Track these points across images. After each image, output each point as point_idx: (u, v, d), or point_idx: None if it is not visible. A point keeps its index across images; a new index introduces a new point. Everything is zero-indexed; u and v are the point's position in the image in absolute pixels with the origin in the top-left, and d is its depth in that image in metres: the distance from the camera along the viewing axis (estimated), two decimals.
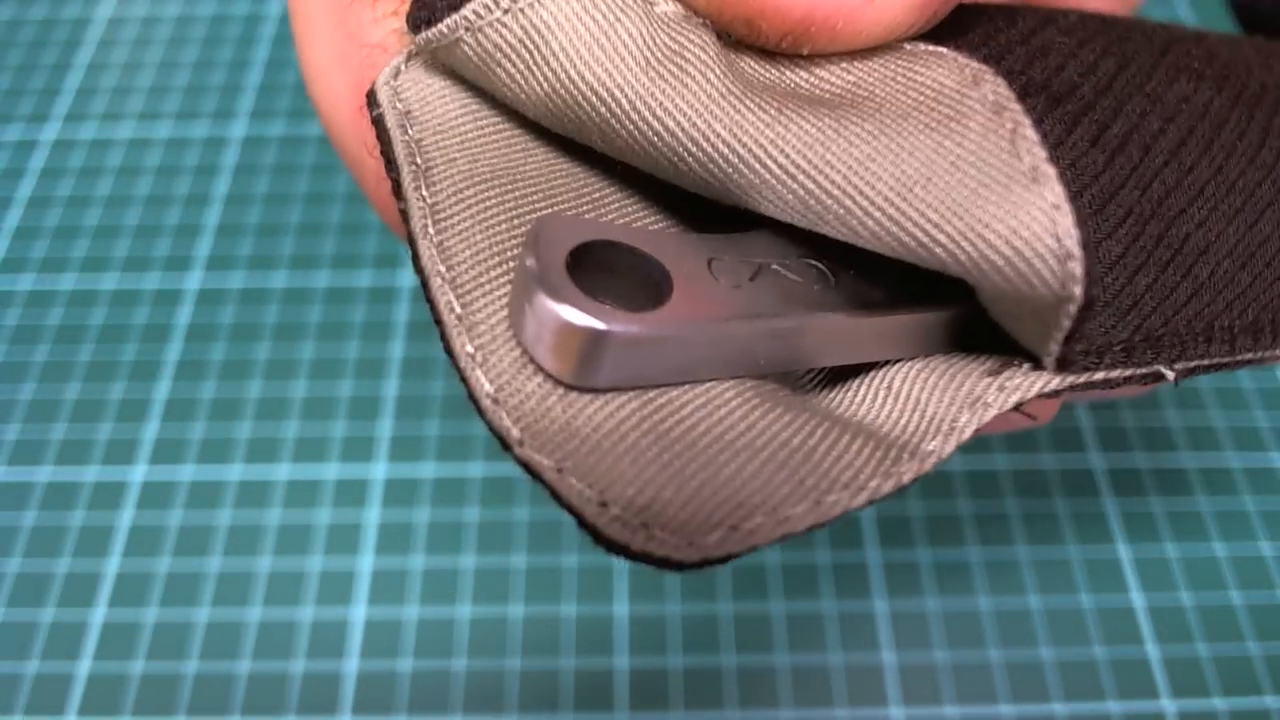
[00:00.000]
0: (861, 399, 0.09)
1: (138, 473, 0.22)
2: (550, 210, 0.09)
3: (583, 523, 0.07)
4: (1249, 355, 0.09)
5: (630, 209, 0.10)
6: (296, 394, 0.23)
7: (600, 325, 0.07)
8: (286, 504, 0.21)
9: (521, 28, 0.08)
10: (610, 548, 0.07)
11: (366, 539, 0.21)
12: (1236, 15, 0.33)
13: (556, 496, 0.07)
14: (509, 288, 0.08)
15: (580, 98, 0.08)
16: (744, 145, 0.08)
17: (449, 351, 0.08)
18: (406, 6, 0.09)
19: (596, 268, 0.08)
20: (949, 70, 0.08)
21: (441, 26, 0.09)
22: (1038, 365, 0.08)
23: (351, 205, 0.26)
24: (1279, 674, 0.19)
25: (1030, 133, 0.08)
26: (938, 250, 0.08)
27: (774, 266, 0.09)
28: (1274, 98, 0.10)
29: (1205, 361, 0.09)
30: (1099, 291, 0.08)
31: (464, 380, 0.08)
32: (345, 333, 0.24)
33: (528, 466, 0.07)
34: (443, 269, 0.08)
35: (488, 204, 0.08)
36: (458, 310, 0.08)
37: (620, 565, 0.20)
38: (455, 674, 0.19)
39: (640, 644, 0.20)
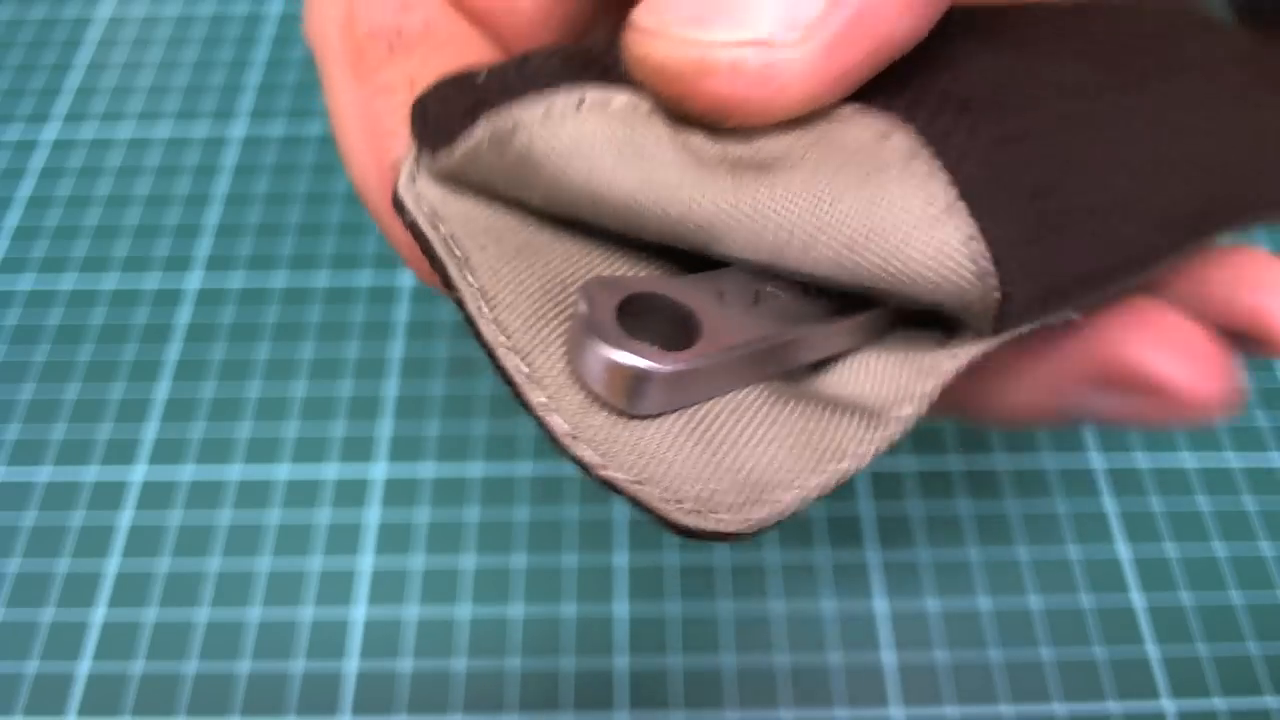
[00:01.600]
0: (847, 380, 0.10)
1: (138, 473, 0.22)
2: (570, 270, 0.10)
3: (660, 518, 0.09)
4: (1149, 270, 0.10)
5: (633, 259, 0.11)
6: (296, 394, 0.23)
7: (652, 366, 0.09)
8: (286, 504, 0.21)
9: (512, 155, 0.10)
10: (682, 532, 0.09)
11: (366, 539, 0.21)
12: (1237, 15, 0.33)
13: (638, 503, 0.09)
14: (558, 343, 0.09)
15: (568, 195, 0.10)
16: (707, 219, 0.09)
17: (524, 404, 0.09)
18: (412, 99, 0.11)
19: (637, 315, 0.09)
20: (863, 128, 0.09)
21: (439, 160, 0.10)
22: (978, 333, 0.10)
23: (351, 205, 0.26)
24: (1279, 674, 0.19)
25: (941, 174, 0.09)
26: (886, 288, 0.09)
27: (768, 289, 0.10)
28: (1166, 71, 0.11)
29: (1114, 287, 0.10)
30: (1015, 287, 0.09)
31: (542, 425, 0.09)
32: (345, 333, 0.24)
33: (611, 485, 0.09)
34: (504, 339, 0.09)
35: (521, 277, 0.10)
36: (525, 370, 0.09)
37: (620, 566, 0.20)
38: (455, 674, 0.19)
39: (640, 644, 0.20)
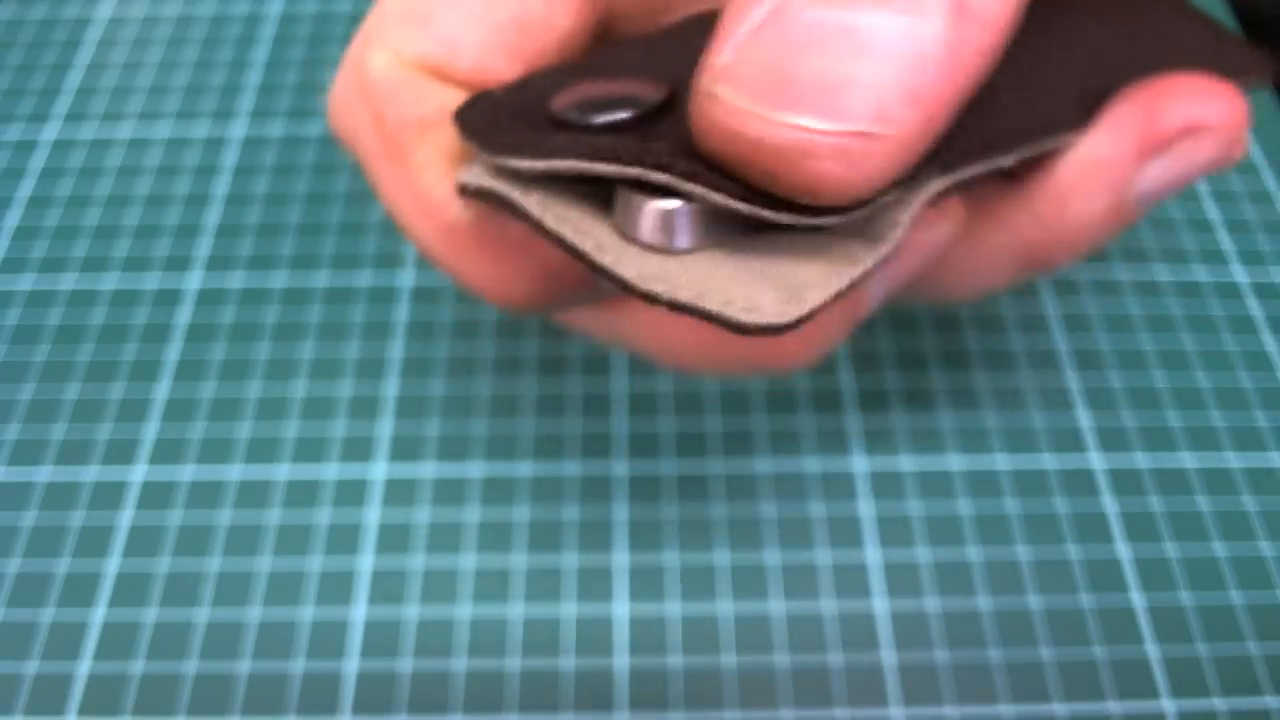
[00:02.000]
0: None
1: (138, 473, 0.22)
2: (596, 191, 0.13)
3: (721, 321, 0.11)
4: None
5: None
6: (296, 394, 0.23)
7: (681, 204, 0.11)
8: (286, 504, 0.21)
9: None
10: (736, 329, 0.11)
11: (366, 539, 0.21)
12: (1236, 15, 0.33)
13: (698, 311, 0.11)
14: (607, 226, 0.12)
15: None
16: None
17: (596, 268, 0.12)
18: (454, 168, 0.13)
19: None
20: None
21: (508, 160, 0.12)
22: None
23: (351, 205, 0.26)
24: (1279, 674, 0.19)
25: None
26: None
27: None
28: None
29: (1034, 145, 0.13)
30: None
31: (613, 277, 0.11)
32: (345, 333, 0.24)
33: (678, 305, 0.11)
34: (570, 229, 0.12)
35: (561, 200, 0.12)
36: (592, 243, 0.12)
37: (620, 566, 0.20)
38: (455, 674, 0.19)
39: (640, 644, 0.20)
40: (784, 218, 0.11)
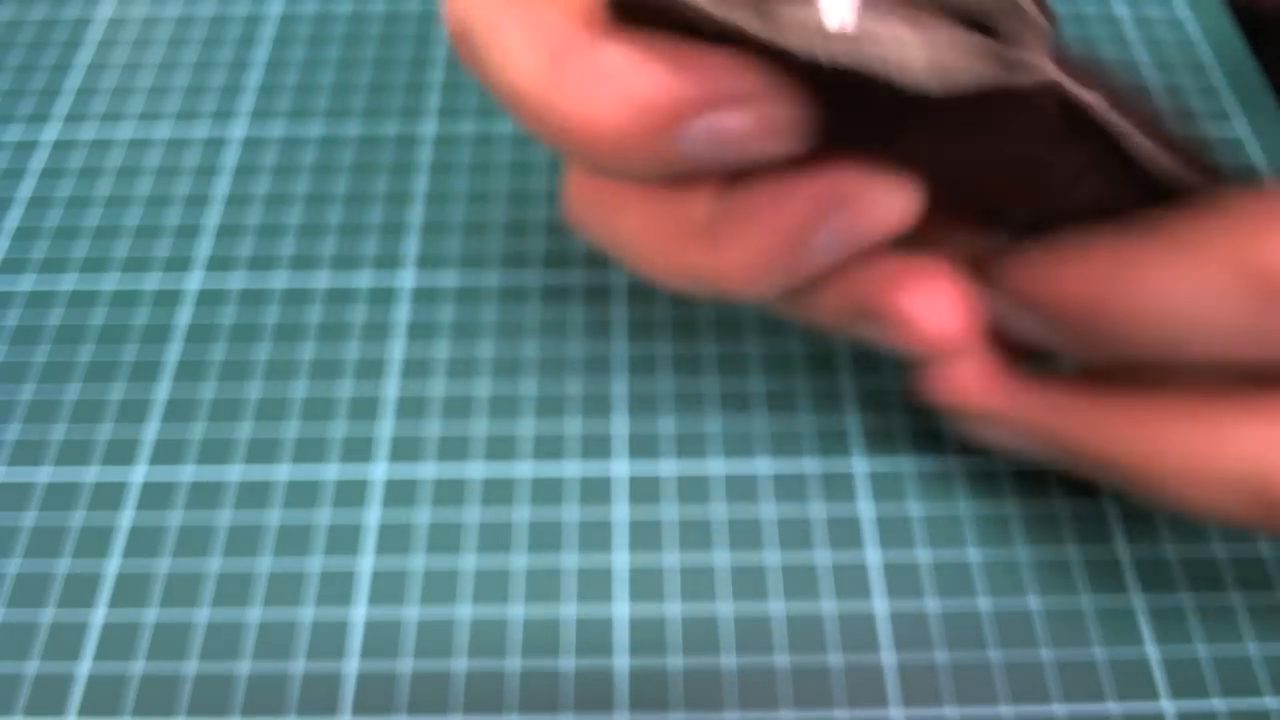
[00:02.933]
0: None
1: (138, 473, 0.22)
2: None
3: (870, 76, 0.12)
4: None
5: None
6: (296, 394, 0.23)
7: None
8: (286, 504, 0.21)
9: None
10: (886, 86, 0.12)
11: (366, 539, 0.21)
12: (1236, 16, 0.33)
13: (851, 70, 0.12)
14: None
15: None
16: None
17: (757, 44, 0.12)
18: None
19: None
20: None
21: None
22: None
23: (351, 205, 0.26)
24: (1279, 674, 0.19)
25: None
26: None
27: None
28: None
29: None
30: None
31: (774, 47, 0.12)
32: (345, 333, 0.24)
33: (833, 64, 0.12)
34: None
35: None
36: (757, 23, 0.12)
37: (620, 566, 0.20)
38: (455, 674, 0.19)
39: (640, 644, 0.20)
40: None
